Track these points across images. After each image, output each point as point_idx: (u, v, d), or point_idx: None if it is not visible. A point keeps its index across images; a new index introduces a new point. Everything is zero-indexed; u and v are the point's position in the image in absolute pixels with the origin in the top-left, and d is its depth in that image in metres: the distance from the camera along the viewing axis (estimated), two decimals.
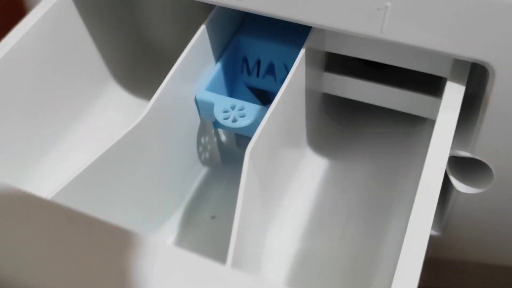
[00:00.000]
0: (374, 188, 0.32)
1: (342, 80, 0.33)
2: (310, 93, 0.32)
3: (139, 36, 0.39)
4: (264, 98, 0.34)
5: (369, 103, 0.33)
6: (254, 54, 0.33)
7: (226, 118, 0.29)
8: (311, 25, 0.27)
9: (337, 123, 0.36)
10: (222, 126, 0.31)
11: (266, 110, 0.28)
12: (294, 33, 0.32)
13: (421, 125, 0.34)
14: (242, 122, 0.29)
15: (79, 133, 0.35)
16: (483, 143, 0.26)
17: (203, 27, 0.29)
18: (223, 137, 0.35)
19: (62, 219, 0.17)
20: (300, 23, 0.27)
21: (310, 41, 0.29)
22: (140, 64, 0.39)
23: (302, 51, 0.28)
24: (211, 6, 0.30)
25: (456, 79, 0.26)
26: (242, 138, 0.35)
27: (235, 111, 0.29)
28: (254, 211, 0.26)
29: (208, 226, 0.32)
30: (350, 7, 0.25)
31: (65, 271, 0.15)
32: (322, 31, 0.29)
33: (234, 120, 0.29)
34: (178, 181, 0.32)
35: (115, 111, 0.37)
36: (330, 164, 0.34)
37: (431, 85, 0.33)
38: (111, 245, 0.16)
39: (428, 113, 0.32)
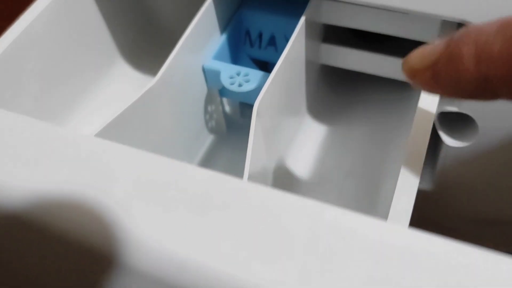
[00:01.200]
0: (370, 148, 0.35)
1: (339, 50, 0.35)
2: (308, 63, 0.34)
3: (145, 12, 0.41)
4: (267, 70, 0.36)
5: (364, 72, 0.35)
6: (256, 27, 0.35)
7: (232, 84, 0.31)
8: None
9: (335, 91, 0.39)
10: (228, 93, 0.33)
11: (267, 75, 0.31)
12: (294, 6, 0.34)
13: (411, 91, 0.37)
14: (247, 87, 0.31)
15: (89, 105, 0.37)
16: None
17: (208, 1, 0.31)
18: (227, 108, 0.37)
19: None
20: None
21: (308, 12, 0.31)
22: (146, 40, 0.41)
23: (301, 21, 0.30)
24: None
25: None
26: (245, 108, 0.37)
27: (240, 77, 0.31)
28: (260, 163, 0.29)
29: None
30: None
31: None
32: (319, 2, 0.31)
33: (240, 85, 0.31)
34: (187, 146, 0.34)
35: (123, 85, 0.39)
36: (329, 129, 0.37)
37: None
38: None
39: None
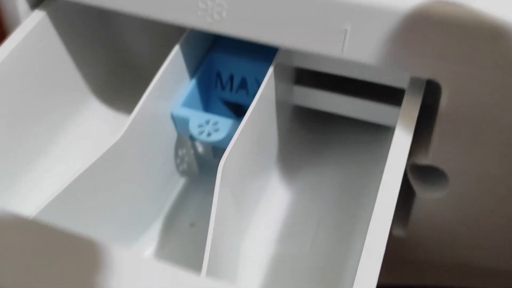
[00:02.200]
0: (342, 194, 0.34)
1: (311, 92, 0.35)
2: (281, 105, 0.34)
3: (117, 52, 0.40)
4: (239, 111, 0.36)
5: (338, 114, 0.35)
6: (227, 70, 0.35)
7: (201, 133, 0.31)
8: (278, 46, 0.29)
9: (308, 132, 0.38)
10: (198, 140, 0.32)
11: (238, 122, 0.30)
12: (264, 49, 0.33)
13: (386, 133, 0.36)
14: (216, 136, 0.30)
15: (58, 148, 0.37)
16: (438, 151, 0.29)
17: (177, 47, 0.31)
18: (200, 148, 0.37)
19: (41, 237, 0.18)
20: (268, 44, 0.29)
21: (278, 58, 0.31)
22: (118, 80, 0.41)
23: (271, 68, 0.30)
24: None
25: (413, 91, 0.28)
26: (218, 149, 0.37)
27: (209, 126, 0.31)
28: (228, 220, 0.28)
29: (188, 234, 0.34)
30: (313, 29, 0.27)
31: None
32: (285, 50, 0.31)
33: (209, 134, 0.30)
34: (157, 192, 0.33)
35: (94, 127, 0.38)
36: (301, 171, 0.36)
37: (397, 94, 0.35)
38: (86, 259, 0.17)
39: (390, 121, 0.34)
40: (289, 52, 0.32)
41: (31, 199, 0.34)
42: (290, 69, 0.34)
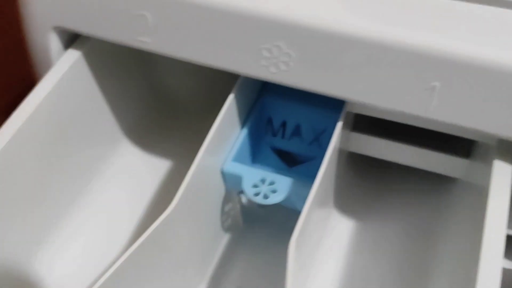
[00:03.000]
0: (406, 252, 0.31)
1: (370, 140, 0.31)
2: (339, 154, 0.30)
3: (150, 91, 0.37)
4: (285, 156, 0.33)
5: (397, 162, 0.32)
6: (279, 116, 0.31)
7: (256, 194, 0.27)
8: (354, 102, 0.25)
9: (363, 180, 0.35)
10: (253, 201, 0.29)
11: (297, 182, 0.27)
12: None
13: (450, 183, 0.33)
14: (274, 199, 0.27)
15: (91, 195, 0.33)
16: None
17: (231, 96, 0.28)
18: (243, 199, 0.34)
19: None
20: (343, 99, 0.25)
21: (347, 107, 0.28)
22: (150, 119, 0.37)
23: (341, 118, 0.27)
24: None
25: (503, 157, 0.25)
26: None
27: (265, 186, 0.27)
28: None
29: None
30: (394, 85, 0.23)
31: None
32: None
33: (266, 197, 0.27)
34: (202, 254, 0.30)
35: (128, 168, 0.35)
36: (358, 225, 0.33)
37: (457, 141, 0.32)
38: None
39: (457, 173, 0.31)
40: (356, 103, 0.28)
41: (66, 250, 0.32)
42: (352, 115, 0.30)
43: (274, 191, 0.27)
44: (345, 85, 0.24)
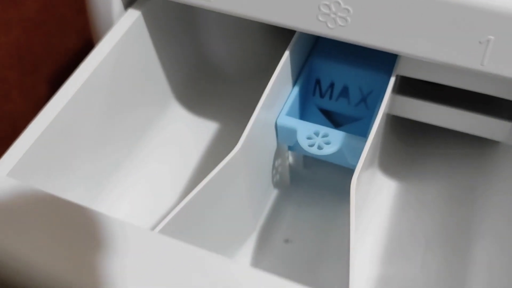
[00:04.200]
0: (450, 211, 0.32)
1: (415, 103, 0.32)
2: (384, 117, 0.31)
3: (199, 59, 0.38)
4: (330, 119, 0.34)
5: (441, 126, 0.33)
6: (328, 77, 0.33)
7: (311, 145, 0.29)
8: (407, 56, 0.26)
9: (405, 145, 0.36)
10: (304, 152, 0.30)
11: (349, 138, 0.28)
12: (367, 55, 0.31)
13: (493, 147, 0.34)
14: (328, 150, 0.28)
15: (143, 151, 0.35)
16: None
17: (287, 53, 0.29)
18: (290, 158, 0.35)
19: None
20: (399, 54, 0.27)
21: (398, 68, 0.29)
22: (199, 83, 0.39)
23: (392, 79, 0.28)
24: (270, 27, 0.30)
25: None
26: (308, 159, 0.35)
27: (319, 138, 0.29)
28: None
29: (282, 250, 0.32)
30: (450, 39, 0.25)
31: None
32: (409, 59, 0.29)
33: (320, 148, 0.28)
34: (255, 205, 0.31)
35: (177, 130, 0.37)
36: (402, 186, 0.34)
37: (500, 107, 0.33)
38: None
39: (501, 136, 0.32)
40: (407, 62, 0.30)
41: (120, 200, 0.33)
42: (399, 79, 0.31)
43: (327, 143, 0.29)
44: (401, 40, 0.26)
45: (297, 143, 0.29)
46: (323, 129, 0.29)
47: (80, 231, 0.19)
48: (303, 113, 0.33)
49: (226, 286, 0.18)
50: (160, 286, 0.18)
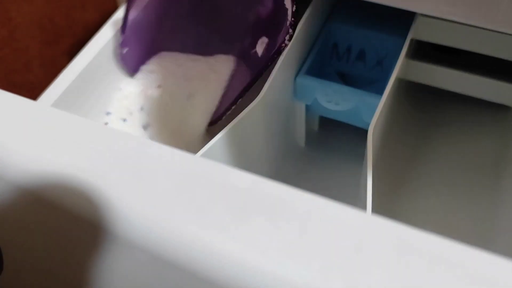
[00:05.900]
0: (472, 176, 0.33)
1: (431, 68, 0.33)
2: (397, 84, 0.32)
3: None
4: (347, 83, 0.35)
5: (456, 91, 0.33)
6: (345, 41, 0.34)
7: (329, 101, 0.30)
8: (427, 13, 0.27)
9: (417, 110, 0.37)
10: (317, 108, 0.31)
11: (365, 95, 0.29)
12: (384, 20, 0.32)
13: (506, 113, 0.35)
14: (345, 106, 0.29)
15: None
16: None
17: (307, 12, 0.30)
18: (306, 119, 0.36)
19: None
20: (416, 12, 0.27)
21: (413, 32, 0.30)
22: None
23: (407, 42, 0.29)
24: None
25: None
26: (324, 121, 0.36)
27: (337, 95, 0.30)
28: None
29: None
30: None
31: None
32: (425, 21, 0.30)
33: (337, 103, 0.29)
34: (271, 163, 0.33)
35: None
36: (416, 154, 0.35)
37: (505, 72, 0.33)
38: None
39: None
40: (423, 26, 0.30)
41: None
42: (414, 43, 0.32)
43: (345, 100, 0.30)
44: None
45: (315, 101, 0.30)
46: (341, 87, 0.30)
47: (131, 156, 0.19)
48: (321, 75, 0.34)
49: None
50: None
